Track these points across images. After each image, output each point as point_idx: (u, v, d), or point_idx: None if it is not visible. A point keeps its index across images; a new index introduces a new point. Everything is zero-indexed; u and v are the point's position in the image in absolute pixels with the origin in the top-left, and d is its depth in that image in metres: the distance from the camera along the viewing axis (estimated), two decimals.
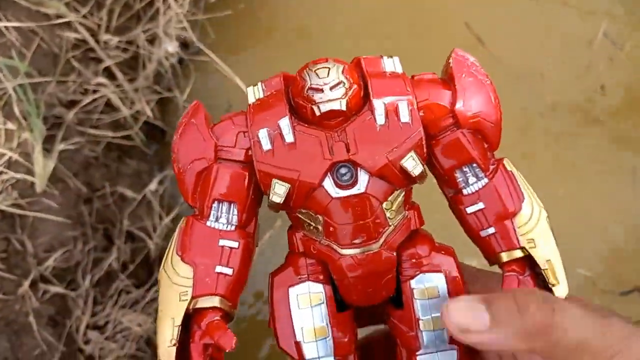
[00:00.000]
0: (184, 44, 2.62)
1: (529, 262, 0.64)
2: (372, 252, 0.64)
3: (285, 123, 0.62)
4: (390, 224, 0.65)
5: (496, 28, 2.65)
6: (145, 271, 2.28)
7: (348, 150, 0.62)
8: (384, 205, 0.63)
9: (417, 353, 0.66)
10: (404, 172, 0.62)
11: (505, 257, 0.64)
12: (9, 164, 2.00)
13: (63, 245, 2.03)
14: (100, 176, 2.28)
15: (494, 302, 0.57)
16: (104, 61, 2.38)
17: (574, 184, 2.39)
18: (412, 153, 0.61)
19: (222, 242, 0.64)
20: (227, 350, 0.60)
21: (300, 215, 0.66)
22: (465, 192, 0.65)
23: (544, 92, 2.52)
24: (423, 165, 0.62)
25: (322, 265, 0.66)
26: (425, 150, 0.63)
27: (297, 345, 0.64)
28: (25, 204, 2.00)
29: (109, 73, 2.39)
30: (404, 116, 0.62)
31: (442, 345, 0.65)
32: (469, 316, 0.56)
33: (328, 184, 0.62)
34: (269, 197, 0.63)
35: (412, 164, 0.61)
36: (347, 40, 2.77)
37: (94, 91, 2.29)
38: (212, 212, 0.65)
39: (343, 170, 0.62)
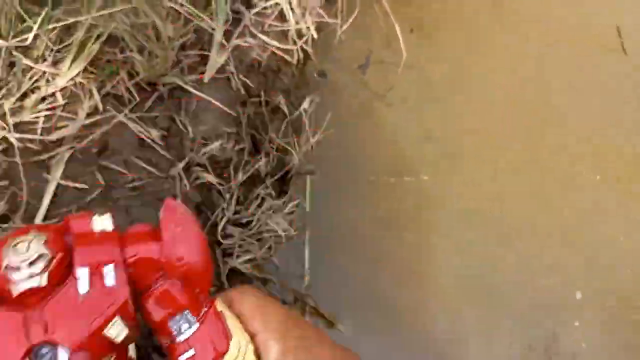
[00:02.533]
0: None
1: None
2: None
3: None
4: None
5: None
6: (280, 184, 2.17)
7: (46, 330, 0.58)
8: None
9: None
10: (108, 340, 0.60)
11: None
12: (185, 45, 1.90)
13: (219, 138, 1.92)
14: (258, 83, 2.16)
15: None
16: None
17: None
18: (117, 318, 0.60)
19: None
20: None
21: None
22: (178, 340, 0.67)
23: None
24: (129, 328, 0.61)
25: None
26: (132, 309, 0.62)
27: None
28: (193, 87, 1.90)
29: None
30: (110, 280, 0.61)
31: None
32: None
33: None
34: None
35: (116, 331, 0.60)
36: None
37: None
38: None
39: (44, 351, 0.58)
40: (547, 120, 2.54)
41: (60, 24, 1.46)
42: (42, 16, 1.35)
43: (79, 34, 1.52)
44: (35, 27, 1.35)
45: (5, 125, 1.56)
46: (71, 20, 1.45)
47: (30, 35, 1.38)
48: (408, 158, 2.39)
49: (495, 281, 2.24)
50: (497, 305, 2.22)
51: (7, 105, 1.60)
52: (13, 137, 1.55)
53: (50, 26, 1.45)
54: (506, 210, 2.35)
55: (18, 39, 1.45)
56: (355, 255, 2.18)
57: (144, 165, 1.79)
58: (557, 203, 2.40)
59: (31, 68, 1.57)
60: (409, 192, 2.31)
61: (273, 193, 2.02)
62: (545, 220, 2.36)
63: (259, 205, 1.88)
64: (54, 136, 1.67)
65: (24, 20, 1.41)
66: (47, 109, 1.64)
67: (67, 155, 1.69)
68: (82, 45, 1.57)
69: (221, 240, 1.84)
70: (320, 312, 2.07)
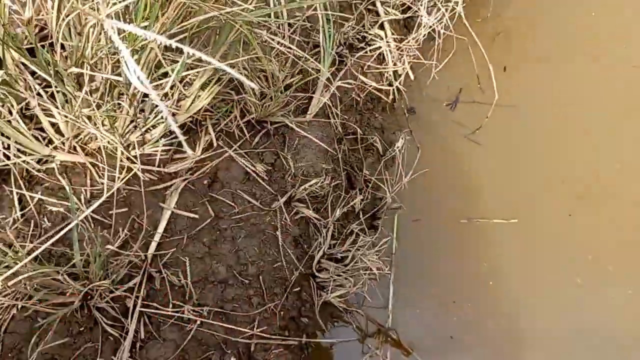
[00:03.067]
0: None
1: None
2: None
3: None
4: None
5: None
6: (370, 219, 2.21)
7: None
8: None
9: None
10: None
11: None
12: (291, 85, 1.99)
13: (317, 175, 1.99)
14: (355, 121, 2.23)
15: None
16: (380, 15, 2.33)
17: None
18: None
19: None
20: None
21: None
22: None
23: None
24: None
25: None
26: None
27: None
28: (297, 125, 1.98)
29: (382, 26, 2.34)
30: None
31: None
32: None
33: None
34: None
35: None
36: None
37: (370, 40, 2.24)
38: None
39: None
40: None
41: (192, 71, 1.57)
42: (178, 65, 1.46)
43: (203, 77, 1.63)
44: (174, 75, 1.46)
45: (130, 156, 1.68)
46: (202, 69, 1.56)
47: (169, 84, 1.50)
48: (496, 200, 2.39)
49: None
50: None
51: (133, 138, 1.72)
52: (138, 168, 1.67)
53: (184, 73, 1.56)
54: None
55: (156, 84, 1.57)
56: (438, 297, 2.19)
57: (249, 198, 1.88)
58: None
59: (156, 105, 1.70)
60: (497, 235, 2.31)
61: (365, 229, 2.07)
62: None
63: (354, 242, 1.93)
64: (171, 168, 1.78)
65: (161, 65, 1.52)
66: (167, 144, 1.75)
67: (181, 186, 1.80)
68: (204, 87, 1.68)
69: (316, 274, 1.91)
70: (401, 343, 2.09)
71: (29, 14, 1.32)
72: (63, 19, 1.32)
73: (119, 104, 1.59)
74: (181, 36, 1.47)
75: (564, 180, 2.47)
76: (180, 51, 1.57)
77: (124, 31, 0.85)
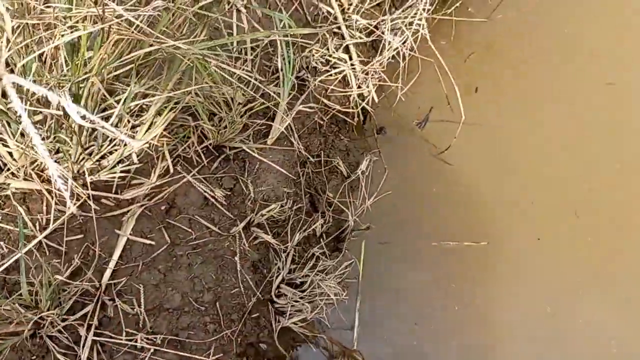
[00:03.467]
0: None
1: None
2: None
3: None
4: None
5: None
6: (335, 242, 2.21)
7: None
8: None
9: None
10: None
11: None
12: (250, 111, 1.99)
13: (279, 199, 1.99)
14: (318, 144, 2.23)
15: None
16: (345, 38, 2.34)
17: None
18: None
19: None
20: None
21: None
22: None
23: None
24: None
25: None
26: None
27: None
28: (256, 150, 1.98)
29: (347, 49, 2.34)
30: None
31: None
32: None
33: None
34: None
35: None
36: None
37: (334, 64, 2.25)
38: None
39: None
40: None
41: (141, 101, 1.57)
42: (125, 96, 1.47)
43: (157, 105, 1.63)
44: (119, 106, 1.46)
45: (84, 183, 1.68)
46: (150, 99, 1.56)
47: (114, 116, 1.50)
48: (467, 221, 2.39)
49: None
50: None
51: (87, 165, 1.72)
52: (88, 195, 1.66)
53: (132, 104, 1.56)
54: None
55: (101, 114, 1.57)
56: (404, 319, 2.18)
57: (207, 224, 1.87)
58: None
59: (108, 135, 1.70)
60: (467, 258, 2.30)
61: (327, 252, 2.07)
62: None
63: (314, 266, 1.93)
64: (128, 195, 1.77)
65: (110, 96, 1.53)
66: (123, 170, 1.75)
67: (138, 212, 1.80)
68: (158, 114, 1.68)
69: (275, 299, 1.90)
70: None
71: None
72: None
73: (71, 133, 1.58)
74: (127, 67, 1.48)
75: (533, 202, 2.47)
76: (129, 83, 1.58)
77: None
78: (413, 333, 2.21)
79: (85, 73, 1.38)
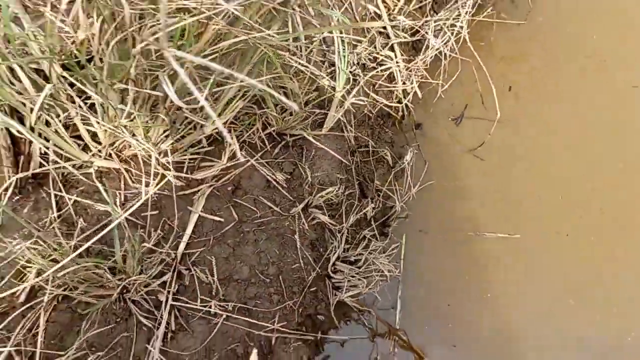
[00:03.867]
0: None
1: None
2: None
3: None
4: None
5: None
6: (380, 229, 2.35)
7: None
8: None
9: None
10: None
11: None
12: (308, 102, 2.14)
13: (332, 184, 2.14)
14: (367, 135, 2.38)
15: None
16: (390, 38, 2.50)
17: None
18: None
19: None
20: None
21: None
22: None
23: None
24: None
25: None
26: None
27: None
28: (314, 137, 2.13)
29: (392, 48, 2.50)
30: None
31: None
32: None
33: None
34: None
35: None
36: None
37: (381, 61, 2.41)
38: None
39: None
40: None
41: (221, 88, 1.73)
42: (210, 82, 1.62)
43: (229, 93, 1.79)
44: (205, 92, 1.62)
45: (165, 163, 1.84)
46: (228, 87, 1.71)
47: (203, 97, 1.65)
48: (499, 214, 2.52)
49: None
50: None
51: (164, 146, 1.88)
52: (171, 174, 1.82)
53: (215, 89, 1.72)
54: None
55: (187, 99, 1.73)
56: (438, 305, 2.32)
57: (270, 204, 2.03)
58: None
59: (186, 118, 1.85)
60: (496, 250, 2.43)
61: (377, 235, 2.21)
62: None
63: (365, 246, 2.07)
64: (199, 175, 1.93)
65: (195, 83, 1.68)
66: (195, 152, 1.91)
67: (207, 191, 1.95)
68: (229, 102, 1.83)
69: (332, 275, 2.04)
70: (411, 345, 2.21)
71: (82, 36, 1.48)
72: (108, 41, 1.48)
73: (154, 115, 1.74)
74: (212, 57, 1.64)
75: (564, 197, 2.60)
76: (210, 71, 1.74)
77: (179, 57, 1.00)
78: (445, 317, 2.34)
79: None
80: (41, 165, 1.81)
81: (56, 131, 1.66)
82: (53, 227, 1.82)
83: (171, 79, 1.70)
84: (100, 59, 1.63)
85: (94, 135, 1.83)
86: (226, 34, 1.68)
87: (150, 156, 1.81)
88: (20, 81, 1.51)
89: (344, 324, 2.17)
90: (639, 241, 2.50)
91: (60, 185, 1.83)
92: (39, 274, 1.70)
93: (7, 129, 1.75)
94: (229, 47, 1.65)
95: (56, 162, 1.79)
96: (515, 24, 2.86)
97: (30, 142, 1.83)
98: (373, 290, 2.02)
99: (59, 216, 1.83)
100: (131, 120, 1.73)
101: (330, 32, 2.10)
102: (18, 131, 1.65)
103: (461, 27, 2.55)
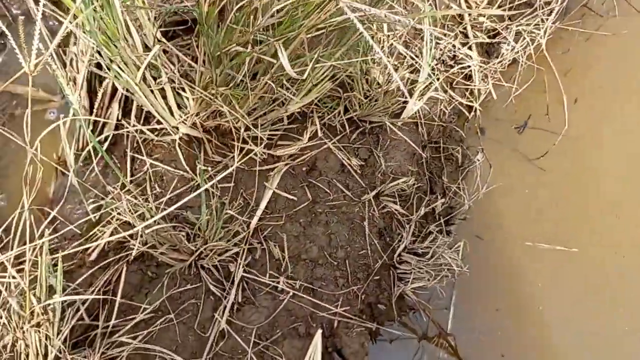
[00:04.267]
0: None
1: None
2: None
3: None
4: None
5: None
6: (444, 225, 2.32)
7: None
8: None
9: None
10: None
11: None
12: (387, 91, 2.13)
13: (404, 175, 2.12)
14: (438, 131, 2.36)
15: None
16: (469, 37, 2.47)
17: None
18: None
19: None
20: None
21: None
22: None
23: None
24: None
25: None
26: None
27: None
28: (392, 125, 2.12)
29: (470, 48, 2.47)
30: None
31: None
32: None
33: None
34: None
35: None
36: None
37: (460, 60, 2.38)
38: None
39: None
40: None
41: (321, 64, 1.72)
42: (315, 55, 1.62)
43: (318, 73, 1.78)
44: (309, 68, 1.61)
45: (245, 137, 1.83)
46: (321, 64, 1.71)
47: (307, 71, 1.64)
48: (557, 226, 2.47)
49: None
50: None
51: (249, 120, 1.88)
52: (259, 150, 1.82)
53: (308, 68, 1.71)
54: None
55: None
56: (489, 311, 2.28)
57: (342, 188, 2.01)
58: None
59: (274, 93, 1.85)
60: (554, 262, 2.38)
61: (444, 230, 2.19)
62: None
63: (434, 239, 2.05)
64: (278, 152, 1.93)
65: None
66: (275, 129, 1.90)
67: (283, 169, 1.95)
68: (317, 83, 1.82)
69: (397, 265, 2.02)
70: (457, 353, 2.18)
71: None
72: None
73: (254, 86, 1.74)
74: (320, 32, 1.63)
75: (619, 215, 2.55)
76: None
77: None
78: (495, 324, 2.30)
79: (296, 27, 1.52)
80: (117, 128, 1.82)
81: (152, 92, 1.67)
82: (128, 190, 1.83)
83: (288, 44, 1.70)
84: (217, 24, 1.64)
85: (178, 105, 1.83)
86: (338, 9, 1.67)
87: (234, 128, 1.81)
88: (132, 36, 1.51)
89: (402, 318, 2.14)
90: None
91: (141, 148, 1.84)
92: (112, 234, 1.71)
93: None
94: (337, 24, 1.64)
95: (135, 127, 1.81)
96: (598, 34, 2.80)
97: (108, 107, 1.84)
98: (439, 284, 1.99)
99: (131, 181, 1.84)
100: (230, 89, 1.73)
101: (420, 23, 2.08)
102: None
103: (541, 35, 2.51)
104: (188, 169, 1.82)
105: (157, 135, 1.89)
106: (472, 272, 2.34)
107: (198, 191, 1.58)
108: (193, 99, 1.81)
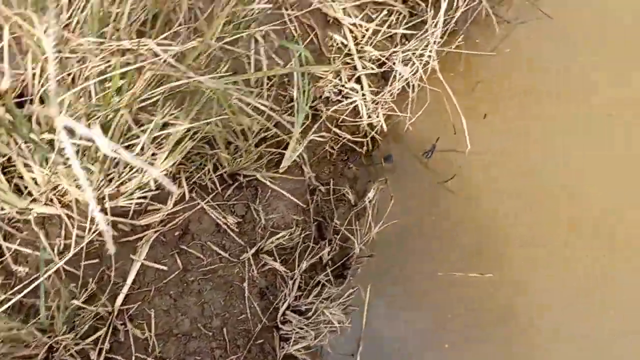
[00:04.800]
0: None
1: None
2: None
3: None
4: None
5: None
6: (340, 271, 2.23)
7: None
8: None
9: None
10: None
11: None
12: (265, 140, 2.01)
13: (288, 227, 2.02)
14: (328, 172, 2.26)
15: None
16: (357, 69, 2.37)
17: None
18: None
19: None
20: None
21: None
22: None
23: None
24: None
25: None
26: None
27: None
28: (268, 178, 2.00)
29: (358, 80, 2.37)
30: None
31: None
32: None
33: None
34: None
35: None
36: None
37: (346, 94, 2.28)
38: None
39: None
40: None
41: (165, 132, 1.59)
42: (151, 126, 1.49)
43: (178, 134, 1.65)
44: (145, 136, 1.49)
45: (102, 208, 1.70)
46: (175, 129, 1.58)
47: (138, 147, 1.52)
48: (472, 252, 2.41)
49: None
50: None
51: (107, 190, 1.74)
52: (108, 221, 1.68)
53: (157, 133, 1.59)
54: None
55: (126, 144, 1.59)
56: (406, 345, 2.21)
57: (218, 250, 1.90)
58: None
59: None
60: (472, 290, 2.32)
61: (332, 280, 2.09)
62: None
63: (319, 293, 1.95)
64: (144, 220, 1.79)
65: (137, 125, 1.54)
66: (140, 197, 1.77)
67: (153, 237, 1.82)
68: (178, 142, 1.70)
69: (280, 326, 1.92)
70: None
71: (5, 86, 1.34)
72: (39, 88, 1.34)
73: (93, 160, 1.60)
74: (155, 98, 1.50)
75: (534, 236, 2.50)
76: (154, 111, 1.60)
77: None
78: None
79: (114, 105, 1.40)
80: None
81: None
82: None
83: (109, 123, 1.57)
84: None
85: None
86: (168, 77, 1.54)
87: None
88: None
89: None
90: None
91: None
92: None
93: None
94: (171, 89, 1.52)
95: None
96: (485, 55, 2.73)
97: None
98: (321, 342, 1.90)
99: None
100: (68, 167, 1.59)
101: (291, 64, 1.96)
102: None
103: (429, 57, 2.42)
104: (49, 249, 1.68)
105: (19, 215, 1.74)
106: (382, 309, 2.27)
107: (37, 282, 1.44)
108: (40, 177, 1.67)
